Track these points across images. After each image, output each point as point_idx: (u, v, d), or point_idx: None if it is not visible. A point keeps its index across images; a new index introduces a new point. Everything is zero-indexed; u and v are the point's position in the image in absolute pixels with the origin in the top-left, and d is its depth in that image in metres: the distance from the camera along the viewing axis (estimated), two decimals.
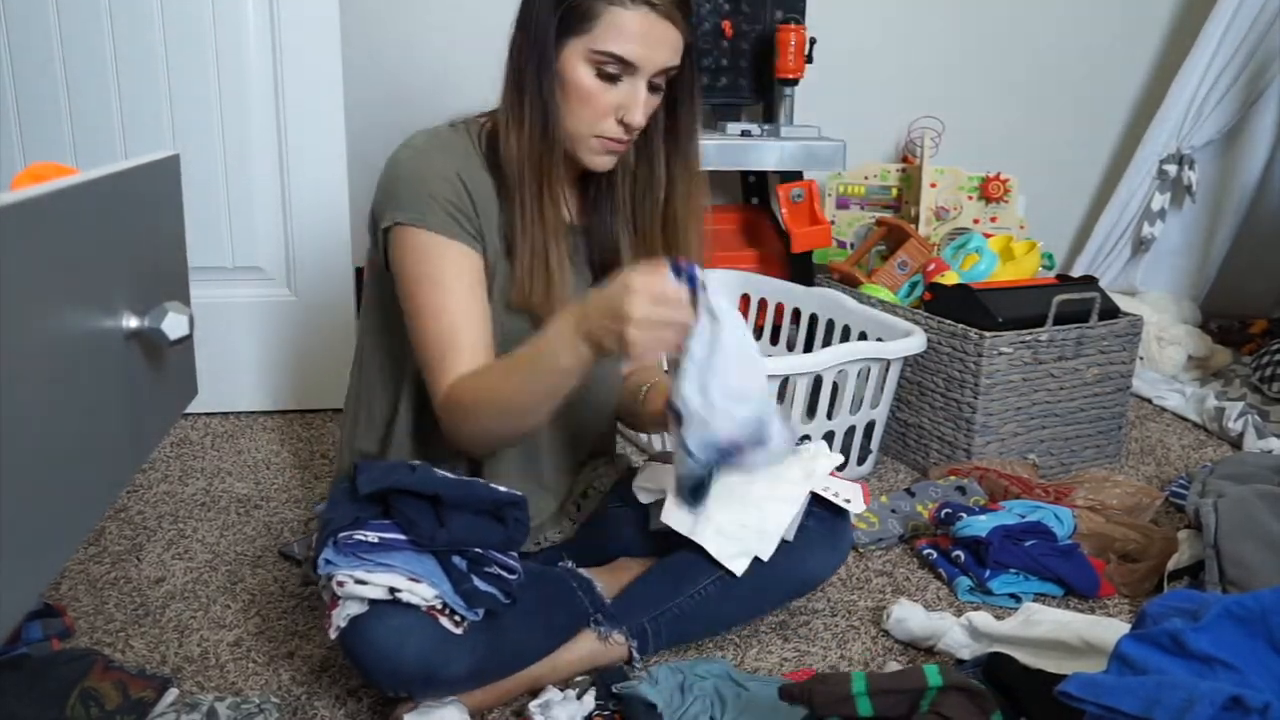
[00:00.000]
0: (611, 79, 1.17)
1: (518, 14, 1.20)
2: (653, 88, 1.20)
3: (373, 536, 1.07)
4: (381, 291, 1.28)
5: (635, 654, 1.26)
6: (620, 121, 1.19)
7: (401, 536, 1.08)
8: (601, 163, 1.23)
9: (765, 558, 1.27)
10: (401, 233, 1.19)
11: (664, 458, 1.45)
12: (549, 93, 1.18)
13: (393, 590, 1.06)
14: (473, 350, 1.18)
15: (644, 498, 1.35)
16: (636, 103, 1.18)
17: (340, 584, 1.06)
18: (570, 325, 1.05)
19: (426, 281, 1.19)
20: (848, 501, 1.32)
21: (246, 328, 2.12)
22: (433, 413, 1.23)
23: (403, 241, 1.19)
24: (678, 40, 1.18)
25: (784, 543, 1.29)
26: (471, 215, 1.20)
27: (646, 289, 0.99)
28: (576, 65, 1.17)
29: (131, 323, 0.63)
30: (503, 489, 1.15)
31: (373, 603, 1.07)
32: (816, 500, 1.33)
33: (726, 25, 2.35)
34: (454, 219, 1.18)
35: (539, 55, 1.17)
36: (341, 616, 1.07)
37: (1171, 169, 2.70)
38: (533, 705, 1.16)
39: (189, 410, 1.80)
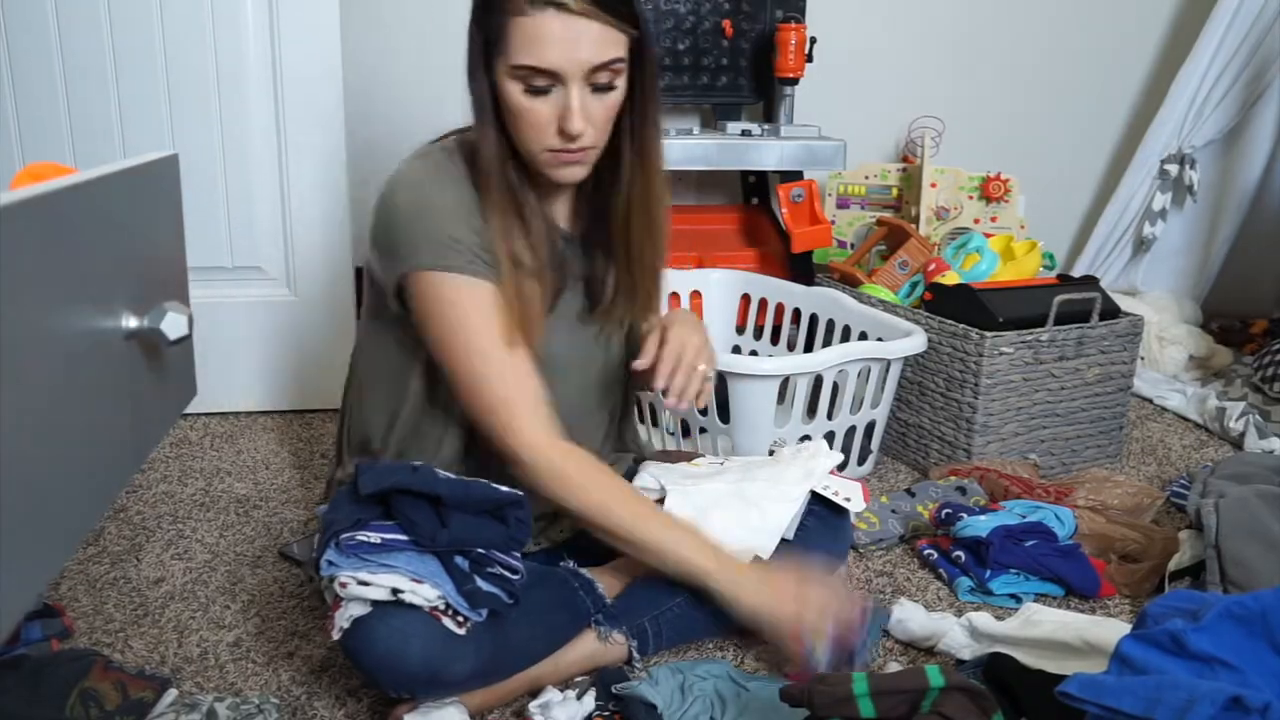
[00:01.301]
0: (541, 91, 1.12)
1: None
2: (598, 88, 1.14)
3: (375, 537, 1.07)
4: (378, 304, 1.28)
5: (635, 654, 1.26)
6: (561, 131, 1.14)
7: (403, 537, 1.08)
8: (564, 175, 1.19)
9: (766, 557, 1.27)
10: (425, 279, 1.17)
11: (664, 457, 1.45)
12: (491, 118, 1.16)
13: (396, 591, 1.06)
14: (531, 392, 1.20)
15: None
16: (570, 111, 1.12)
17: (343, 585, 1.06)
18: (735, 589, 1.19)
19: (464, 332, 1.17)
20: (848, 500, 1.32)
21: (246, 328, 2.12)
22: (432, 417, 1.23)
23: (428, 288, 1.17)
24: (603, 33, 1.11)
25: (784, 541, 1.29)
26: (487, 248, 1.18)
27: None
28: (506, 85, 1.13)
29: (131, 323, 0.63)
30: (504, 488, 1.15)
31: (375, 604, 1.07)
32: (817, 499, 1.33)
33: (726, 25, 2.35)
34: (478, 258, 1.17)
35: (476, 83, 1.15)
36: (344, 618, 1.07)
37: (1173, 169, 2.70)
38: (533, 706, 1.16)
39: (189, 410, 1.80)
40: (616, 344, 1.39)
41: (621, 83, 1.16)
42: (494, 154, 1.17)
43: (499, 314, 1.18)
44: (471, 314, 1.17)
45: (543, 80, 1.11)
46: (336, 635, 1.07)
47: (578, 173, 1.20)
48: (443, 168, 1.20)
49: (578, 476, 1.19)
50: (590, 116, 1.14)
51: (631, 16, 1.13)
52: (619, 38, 1.13)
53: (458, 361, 1.19)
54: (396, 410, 1.30)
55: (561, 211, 1.30)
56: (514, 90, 1.13)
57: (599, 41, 1.11)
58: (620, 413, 1.46)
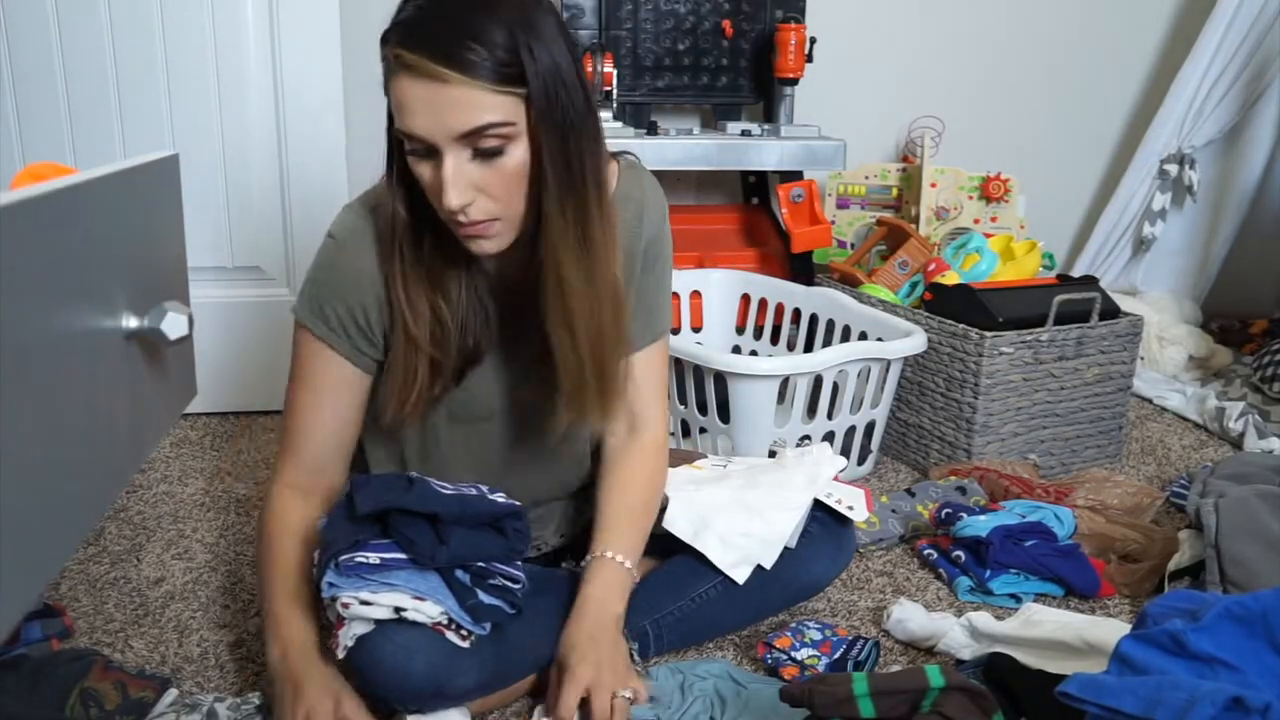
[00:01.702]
0: (424, 156, 1.03)
1: None
2: (484, 153, 1.01)
3: (374, 558, 1.05)
4: None
5: (637, 657, 1.25)
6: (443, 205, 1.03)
7: (402, 556, 1.07)
8: (475, 248, 1.08)
9: (768, 566, 1.27)
10: (297, 325, 1.22)
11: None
12: (399, 181, 1.09)
13: (398, 610, 1.05)
14: (310, 460, 1.22)
15: None
16: (440, 183, 1.01)
17: (345, 606, 1.05)
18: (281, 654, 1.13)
19: (297, 379, 1.23)
20: (850, 509, 1.32)
21: (246, 328, 2.12)
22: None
23: (296, 333, 1.22)
24: (469, 97, 0.98)
25: (787, 549, 1.28)
26: (368, 333, 1.17)
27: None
28: (406, 153, 1.05)
29: (131, 322, 0.63)
30: (501, 499, 1.14)
31: (379, 621, 1.06)
32: (819, 506, 1.33)
33: (726, 25, 2.35)
34: (346, 335, 1.18)
35: (389, 141, 1.09)
36: (349, 636, 1.06)
37: (1172, 169, 2.70)
38: (537, 711, 1.16)
39: (189, 410, 1.79)
40: (563, 433, 1.29)
41: (517, 147, 1.02)
42: (400, 220, 1.10)
43: (329, 381, 1.21)
44: (306, 367, 1.22)
45: (420, 146, 1.02)
46: (341, 654, 1.07)
47: (487, 246, 1.08)
48: (363, 231, 1.15)
49: (267, 524, 1.22)
50: (483, 186, 1.03)
51: (512, 76, 0.99)
52: (497, 100, 0.99)
53: (289, 391, 1.24)
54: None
55: (509, 264, 1.17)
56: (410, 159, 1.04)
57: (465, 106, 0.98)
58: (580, 500, 1.39)
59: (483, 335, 1.18)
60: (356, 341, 1.18)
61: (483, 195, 1.03)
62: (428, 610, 1.06)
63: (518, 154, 1.03)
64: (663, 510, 1.29)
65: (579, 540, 1.38)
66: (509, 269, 1.17)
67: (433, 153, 1.02)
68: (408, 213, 1.11)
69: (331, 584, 1.06)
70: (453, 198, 1.01)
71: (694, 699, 1.18)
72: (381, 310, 1.16)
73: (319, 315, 1.19)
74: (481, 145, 1.01)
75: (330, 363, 1.20)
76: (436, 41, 0.97)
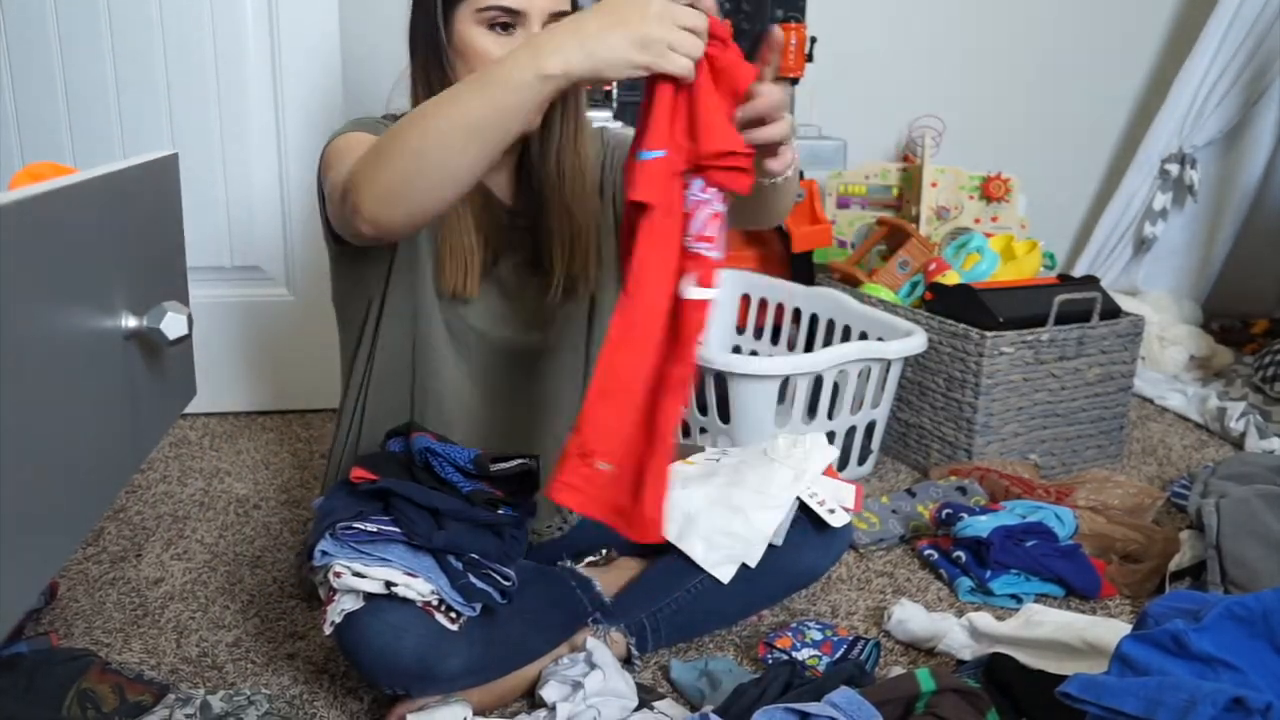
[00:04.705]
0: (506, 29, 1.14)
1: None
2: None
3: (371, 527, 1.08)
4: (333, 281, 1.30)
5: (634, 651, 1.26)
6: None
7: (399, 530, 1.09)
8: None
9: (752, 564, 1.27)
10: (331, 144, 1.16)
11: None
12: (449, 63, 1.16)
13: (389, 584, 1.06)
14: None
15: None
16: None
17: (337, 575, 1.06)
18: (544, 36, 0.92)
19: (347, 146, 1.11)
20: (831, 512, 1.31)
21: (246, 328, 2.12)
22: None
23: (330, 148, 1.15)
24: None
25: (773, 546, 1.28)
26: None
27: None
28: (469, 29, 1.15)
29: (130, 322, 0.63)
30: (501, 511, 1.15)
31: (368, 598, 1.07)
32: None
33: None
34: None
35: (431, 27, 1.16)
36: (337, 611, 1.07)
37: (1173, 168, 2.70)
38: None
39: (188, 410, 1.79)
40: (580, 328, 1.35)
41: None
42: None
43: None
44: (356, 141, 1.12)
45: (506, 17, 1.13)
46: (328, 629, 1.07)
47: (536, 118, 1.14)
48: (371, 122, 1.21)
49: (383, 135, 1.01)
50: None
51: None
52: None
53: (331, 173, 1.10)
54: (362, 389, 1.30)
55: (501, 185, 1.29)
56: (479, 34, 1.14)
57: None
58: None
59: (499, 232, 1.26)
60: None
61: None
62: (418, 587, 1.07)
63: None
64: None
65: (579, 538, 1.38)
66: (498, 183, 1.27)
67: (511, 28, 1.13)
68: None
69: (325, 552, 1.08)
70: None
71: (734, 678, 1.19)
72: None
73: (352, 128, 1.17)
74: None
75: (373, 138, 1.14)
76: None
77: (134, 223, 0.67)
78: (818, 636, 1.30)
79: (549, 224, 1.27)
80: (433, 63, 1.18)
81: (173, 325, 0.64)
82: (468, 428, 1.29)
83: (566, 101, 1.24)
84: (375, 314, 1.27)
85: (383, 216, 0.96)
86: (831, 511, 1.31)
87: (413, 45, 1.21)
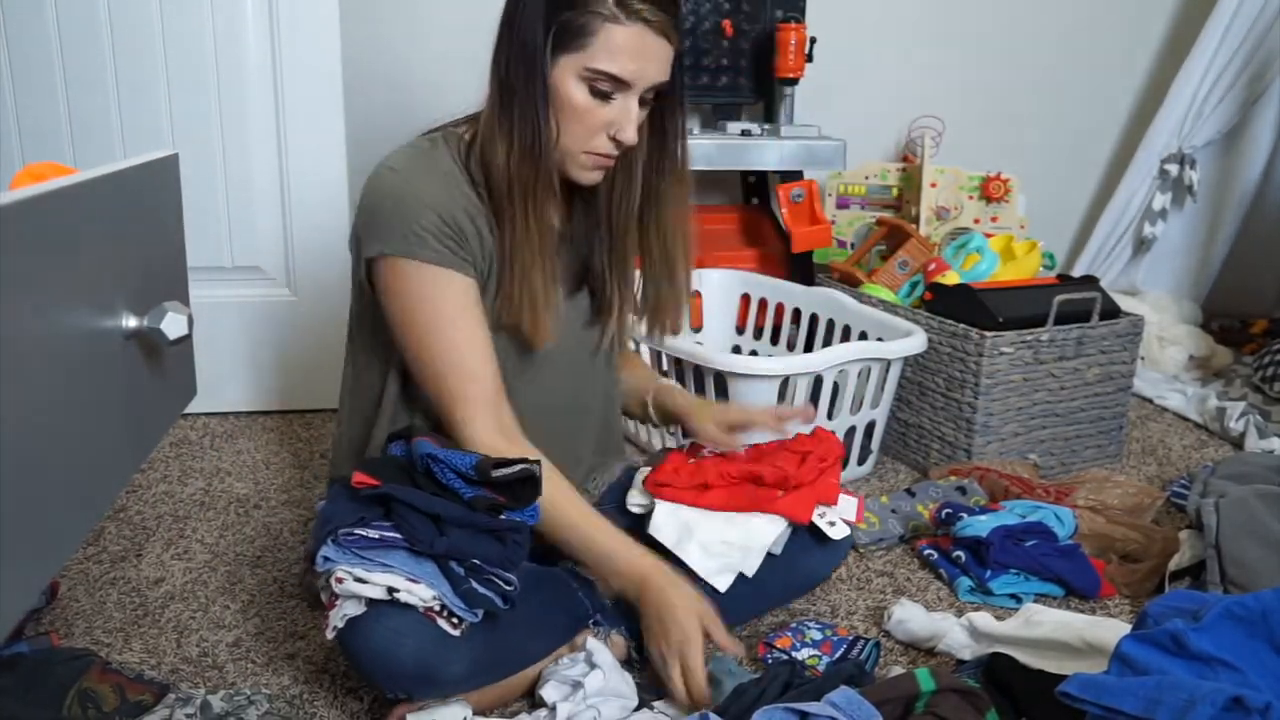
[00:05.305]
0: (605, 96, 1.16)
1: (502, 24, 1.17)
2: (642, 102, 1.18)
3: (374, 534, 1.07)
4: (360, 298, 1.29)
5: (634, 653, 1.26)
6: (612, 138, 1.18)
7: (401, 537, 1.08)
8: (591, 178, 1.23)
9: (750, 573, 1.27)
10: (391, 265, 1.17)
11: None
12: (541, 111, 1.16)
13: (391, 590, 1.06)
14: (487, 379, 1.20)
15: (635, 510, 1.36)
16: (630, 120, 1.17)
17: (339, 580, 1.06)
18: (636, 580, 1.17)
19: (425, 315, 1.18)
20: (831, 524, 1.31)
21: (246, 328, 2.12)
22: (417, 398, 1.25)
23: (394, 273, 1.17)
24: (669, 54, 1.17)
25: (771, 555, 1.28)
26: (462, 239, 1.18)
27: (696, 653, 1.13)
28: (568, 82, 1.15)
29: (131, 322, 0.63)
30: (503, 517, 1.15)
31: (370, 603, 1.07)
32: None
33: (727, 25, 2.35)
34: (446, 248, 1.16)
35: (529, 72, 1.15)
36: (339, 616, 1.07)
37: (1173, 168, 2.70)
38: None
39: (188, 410, 1.80)
40: (607, 346, 1.39)
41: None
42: (529, 150, 1.17)
43: (461, 301, 1.18)
44: (431, 299, 1.17)
45: (610, 86, 1.15)
46: (330, 634, 1.08)
47: (598, 177, 1.23)
48: (429, 160, 1.20)
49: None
50: (636, 126, 1.19)
51: (681, 37, 1.19)
52: (673, 57, 1.19)
53: (417, 346, 1.19)
54: (381, 393, 1.30)
55: (552, 211, 1.29)
56: (578, 90, 1.15)
57: (666, 60, 1.17)
58: (610, 416, 1.46)
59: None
60: (458, 251, 1.17)
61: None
62: (420, 593, 1.06)
63: (651, 104, 1.21)
64: (649, 516, 1.30)
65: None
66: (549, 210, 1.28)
67: (612, 95, 1.16)
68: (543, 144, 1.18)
69: (327, 558, 1.07)
70: (632, 133, 1.18)
71: (734, 678, 1.19)
72: (471, 219, 1.18)
73: (418, 242, 1.16)
74: (648, 95, 1.18)
75: (451, 281, 1.17)
76: (672, 7, 1.16)
77: (134, 223, 0.67)
78: (817, 636, 1.30)
79: (607, 248, 1.30)
80: (528, 108, 1.15)
81: (173, 325, 0.64)
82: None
83: (632, 165, 1.26)
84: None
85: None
86: (832, 524, 1.31)
87: (503, 82, 1.17)
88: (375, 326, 1.28)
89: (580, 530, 1.20)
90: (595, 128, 1.17)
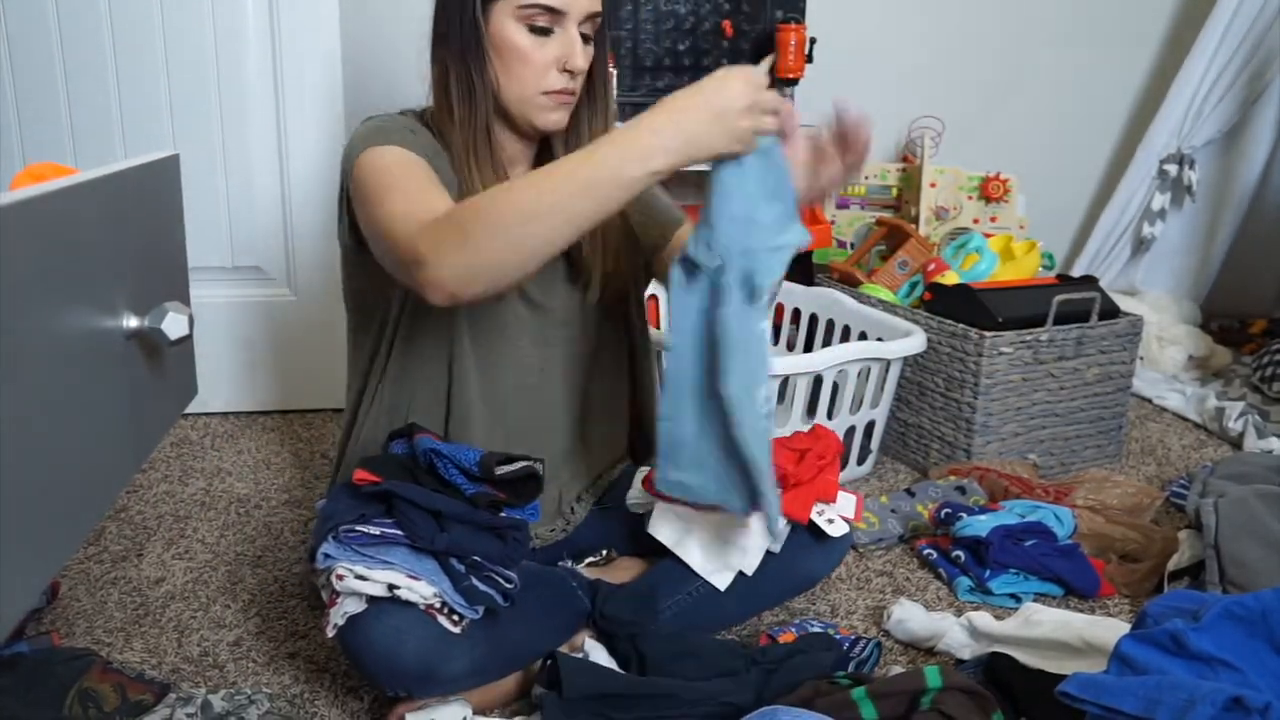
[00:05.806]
0: (544, 31, 1.17)
1: None
2: (585, 39, 1.19)
3: (374, 530, 1.08)
4: (350, 278, 1.29)
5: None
6: (564, 70, 1.18)
7: (402, 533, 1.09)
8: (555, 119, 1.22)
9: (749, 572, 1.27)
10: (360, 162, 1.14)
11: None
12: (479, 65, 1.18)
13: (392, 587, 1.06)
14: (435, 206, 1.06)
15: (635, 510, 1.36)
16: (575, 47, 1.18)
17: (340, 577, 1.06)
18: (646, 131, 0.98)
19: (385, 187, 1.09)
20: (830, 522, 1.31)
21: (246, 328, 2.12)
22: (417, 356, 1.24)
23: (361, 167, 1.13)
24: None
25: (771, 553, 1.28)
26: (433, 164, 1.16)
27: (744, 75, 0.99)
28: (507, 26, 1.16)
29: (131, 323, 0.63)
30: (503, 514, 1.15)
31: (371, 601, 1.07)
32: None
33: (727, 25, 2.35)
34: (421, 150, 1.16)
35: (465, 26, 1.17)
36: (339, 614, 1.07)
37: (1172, 168, 2.70)
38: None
39: (189, 410, 1.80)
40: (600, 314, 1.36)
41: (596, 42, 1.22)
42: (476, 108, 1.19)
43: (425, 171, 1.13)
44: (389, 168, 1.11)
45: (546, 19, 1.16)
46: (331, 632, 1.08)
47: (563, 118, 1.22)
48: (404, 119, 1.23)
49: (461, 208, 1.01)
50: (584, 56, 1.20)
51: None
52: None
53: (378, 209, 1.08)
54: (365, 382, 1.30)
55: (520, 170, 1.29)
56: (517, 33, 1.16)
57: None
58: (612, 413, 1.44)
59: None
60: (435, 163, 1.16)
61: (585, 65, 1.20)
62: (421, 590, 1.07)
63: (593, 47, 1.22)
64: (649, 515, 1.30)
65: (580, 539, 1.38)
66: (519, 173, 1.27)
67: (550, 30, 1.16)
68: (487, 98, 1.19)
69: (328, 555, 1.07)
70: (581, 59, 1.18)
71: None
72: (440, 171, 1.16)
73: (383, 136, 1.16)
74: (586, 31, 1.19)
75: (416, 160, 1.14)
76: None
77: (135, 223, 0.67)
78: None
79: None
80: (470, 56, 1.18)
81: (174, 325, 0.64)
82: (489, 427, 1.28)
83: (595, 100, 1.27)
84: (396, 311, 1.26)
85: (465, 293, 0.99)
86: (831, 522, 1.31)
87: (441, 38, 1.21)
88: (362, 306, 1.29)
89: (558, 164, 1.01)
90: (543, 66, 1.17)
